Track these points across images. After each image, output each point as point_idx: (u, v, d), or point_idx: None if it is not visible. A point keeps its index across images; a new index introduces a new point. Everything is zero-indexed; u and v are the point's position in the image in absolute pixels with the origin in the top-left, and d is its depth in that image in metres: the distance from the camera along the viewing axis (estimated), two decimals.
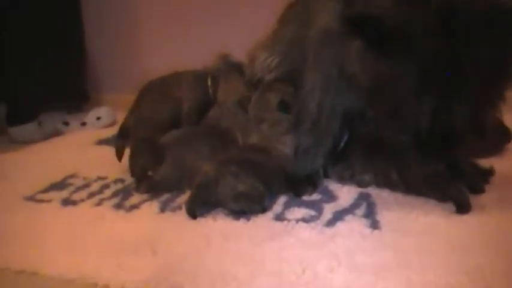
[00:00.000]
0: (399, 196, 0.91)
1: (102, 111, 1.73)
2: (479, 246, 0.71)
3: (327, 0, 0.95)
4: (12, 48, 1.58)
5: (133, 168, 1.06)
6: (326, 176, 1.01)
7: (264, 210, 0.87)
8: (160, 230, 0.84)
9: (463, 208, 0.82)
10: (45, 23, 1.60)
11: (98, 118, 1.71)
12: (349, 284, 0.64)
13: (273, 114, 1.03)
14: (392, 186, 0.93)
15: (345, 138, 1.01)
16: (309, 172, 0.98)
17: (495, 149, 1.07)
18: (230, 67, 1.26)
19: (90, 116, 1.71)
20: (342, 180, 0.99)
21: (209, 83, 1.27)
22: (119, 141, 1.16)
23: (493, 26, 0.75)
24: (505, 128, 1.06)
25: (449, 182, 0.86)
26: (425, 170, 0.88)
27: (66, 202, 1.01)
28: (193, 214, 0.87)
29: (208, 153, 1.02)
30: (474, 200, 0.84)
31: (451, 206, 0.83)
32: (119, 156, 1.14)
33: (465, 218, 0.80)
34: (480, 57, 0.77)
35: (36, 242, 0.84)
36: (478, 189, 0.89)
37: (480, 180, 0.92)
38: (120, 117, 1.33)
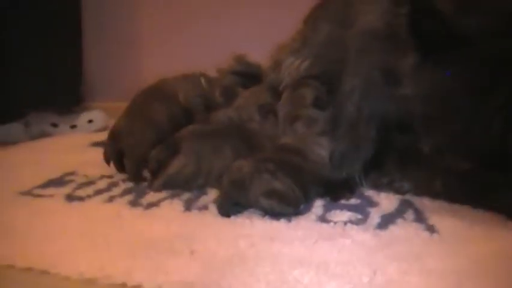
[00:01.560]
0: (444, 204, 0.84)
1: (95, 114, 1.62)
2: None
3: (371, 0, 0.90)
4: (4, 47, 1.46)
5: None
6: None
7: (297, 214, 0.78)
8: (193, 228, 0.75)
9: None
10: (41, 24, 1.51)
11: (90, 121, 1.60)
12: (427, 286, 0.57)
13: (309, 110, 0.95)
14: (434, 194, 0.86)
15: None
16: (345, 177, 0.91)
17: None
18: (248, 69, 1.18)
19: (82, 119, 1.60)
20: (378, 187, 0.92)
21: (204, 84, 1.18)
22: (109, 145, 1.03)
23: None
24: None
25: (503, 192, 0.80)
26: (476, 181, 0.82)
27: (71, 198, 0.91)
28: (226, 213, 0.78)
29: (230, 154, 0.94)
30: None
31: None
32: (108, 159, 1.03)
33: None
34: None
35: (44, 239, 0.74)
36: None
37: None
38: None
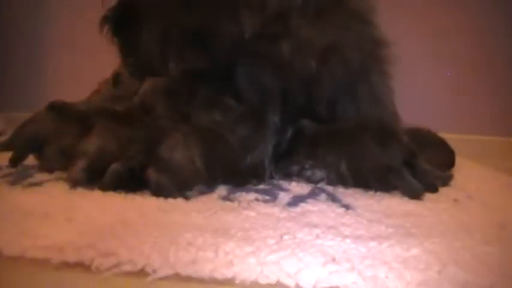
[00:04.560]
0: (358, 190, 0.78)
1: None
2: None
3: None
4: None
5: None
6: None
7: (188, 197, 0.67)
8: (76, 201, 0.62)
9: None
10: None
11: None
12: (345, 248, 0.49)
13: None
14: (342, 180, 0.80)
15: (289, 133, 0.88)
16: (251, 164, 0.82)
17: None
18: None
19: None
20: (289, 176, 0.85)
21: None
22: None
23: None
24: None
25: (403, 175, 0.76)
26: (379, 163, 0.77)
27: None
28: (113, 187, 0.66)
29: None
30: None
31: None
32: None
33: (428, 203, 0.71)
34: None
35: None
36: (432, 188, 0.79)
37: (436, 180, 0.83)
38: None
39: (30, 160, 0.81)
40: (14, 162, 0.79)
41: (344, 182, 0.80)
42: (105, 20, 0.82)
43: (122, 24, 0.82)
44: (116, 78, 0.96)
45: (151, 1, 0.76)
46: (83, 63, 1.67)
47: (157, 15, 0.75)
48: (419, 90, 1.57)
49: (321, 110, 0.87)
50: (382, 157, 0.77)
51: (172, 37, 0.76)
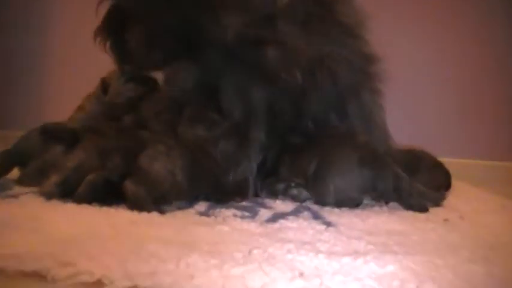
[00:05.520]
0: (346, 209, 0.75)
1: None
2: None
3: None
4: None
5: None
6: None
7: (163, 211, 0.64)
8: (45, 212, 0.60)
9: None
10: None
11: None
12: (316, 263, 0.46)
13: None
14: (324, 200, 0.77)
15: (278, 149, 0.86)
16: (235, 180, 0.80)
17: None
18: None
19: None
20: (274, 195, 0.82)
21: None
22: None
23: None
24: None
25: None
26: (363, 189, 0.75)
27: None
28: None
29: None
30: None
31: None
32: None
33: (416, 223, 0.68)
34: None
35: None
36: (422, 209, 0.76)
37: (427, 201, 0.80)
38: None
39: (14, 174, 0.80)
40: None
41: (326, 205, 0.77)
42: (97, 31, 0.81)
43: (112, 31, 0.81)
44: (104, 85, 0.95)
45: (138, 4, 0.75)
46: (80, 81, 1.67)
47: (143, 18, 0.74)
48: (420, 113, 1.55)
49: (308, 125, 0.84)
50: (367, 184, 0.75)
51: (157, 42, 0.75)
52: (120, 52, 0.84)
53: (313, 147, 0.79)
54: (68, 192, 0.67)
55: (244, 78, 0.76)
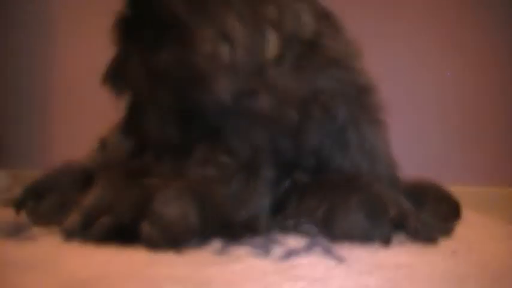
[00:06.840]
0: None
1: None
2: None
3: None
4: None
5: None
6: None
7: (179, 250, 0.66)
8: (58, 253, 0.62)
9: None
10: None
11: None
12: None
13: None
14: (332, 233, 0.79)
15: (286, 185, 0.88)
16: (246, 218, 0.82)
17: None
18: None
19: None
20: (285, 230, 0.84)
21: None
22: None
23: None
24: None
25: None
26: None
27: None
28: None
29: None
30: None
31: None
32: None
33: (427, 256, 0.69)
34: None
35: None
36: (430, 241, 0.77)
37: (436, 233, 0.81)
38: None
39: None
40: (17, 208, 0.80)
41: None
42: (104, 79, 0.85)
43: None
44: (102, 144, 0.98)
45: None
46: (89, 120, 1.71)
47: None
48: (424, 140, 1.57)
49: (309, 160, 0.86)
50: (367, 231, 0.75)
51: (154, 116, 0.79)
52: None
53: (318, 187, 0.81)
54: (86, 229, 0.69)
55: (246, 125, 0.80)
